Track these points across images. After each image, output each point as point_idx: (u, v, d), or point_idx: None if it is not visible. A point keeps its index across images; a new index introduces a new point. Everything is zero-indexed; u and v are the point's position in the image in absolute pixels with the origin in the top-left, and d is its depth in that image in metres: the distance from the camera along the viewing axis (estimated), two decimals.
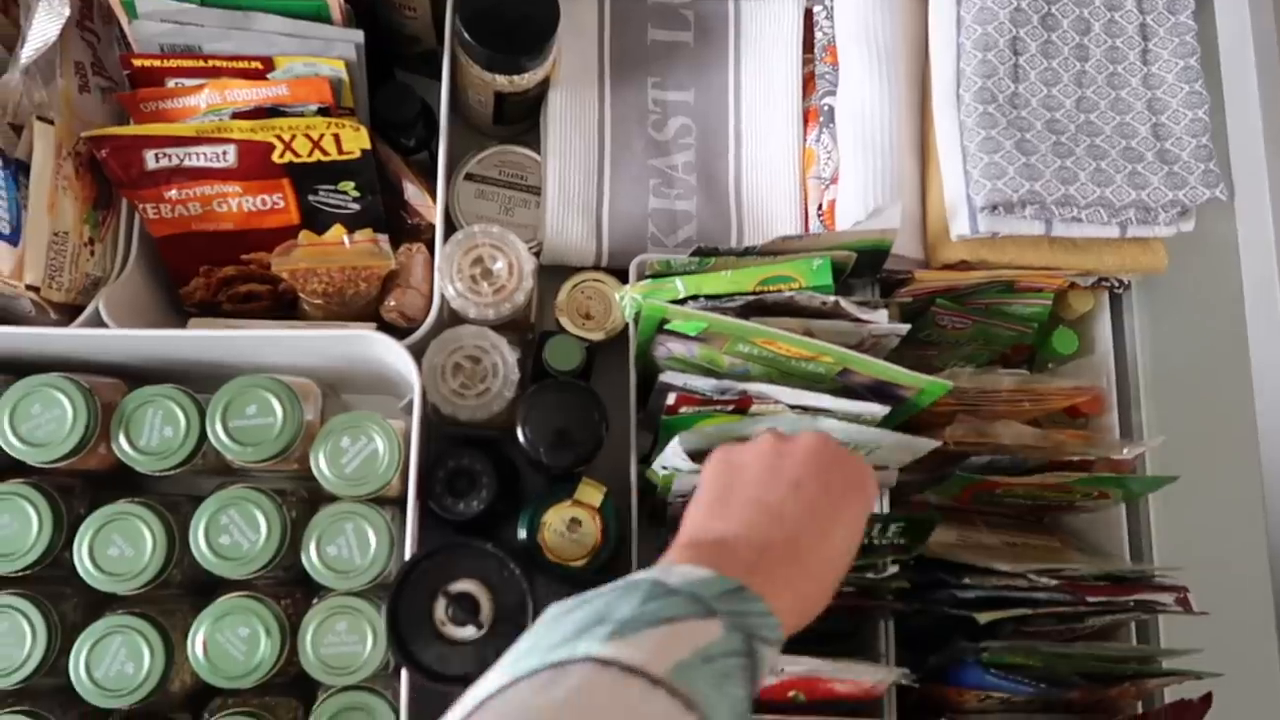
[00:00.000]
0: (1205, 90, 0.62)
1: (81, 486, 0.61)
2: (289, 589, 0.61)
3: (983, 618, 0.57)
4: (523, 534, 0.62)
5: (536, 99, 0.72)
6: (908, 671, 0.56)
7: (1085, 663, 0.59)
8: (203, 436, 0.59)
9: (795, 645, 0.54)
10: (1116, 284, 0.70)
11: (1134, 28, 0.64)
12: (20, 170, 0.59)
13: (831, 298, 0.58)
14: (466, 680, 0.52)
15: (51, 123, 0.59)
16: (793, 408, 0.59)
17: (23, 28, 0.60)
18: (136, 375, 0.61)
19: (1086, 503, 0.65)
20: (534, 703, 0.34)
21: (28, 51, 0.59)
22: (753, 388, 0.58)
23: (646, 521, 0.67)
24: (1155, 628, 0.64)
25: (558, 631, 0.37)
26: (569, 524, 0.62)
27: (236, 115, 0.61)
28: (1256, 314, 0.61)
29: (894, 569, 0.58)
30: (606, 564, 0.63)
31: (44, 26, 0.58)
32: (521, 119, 0.74)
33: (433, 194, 0.67)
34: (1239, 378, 0.62)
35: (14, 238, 0.57)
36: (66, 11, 0.58)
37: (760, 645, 0.39)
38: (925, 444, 0.58)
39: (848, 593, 0.59)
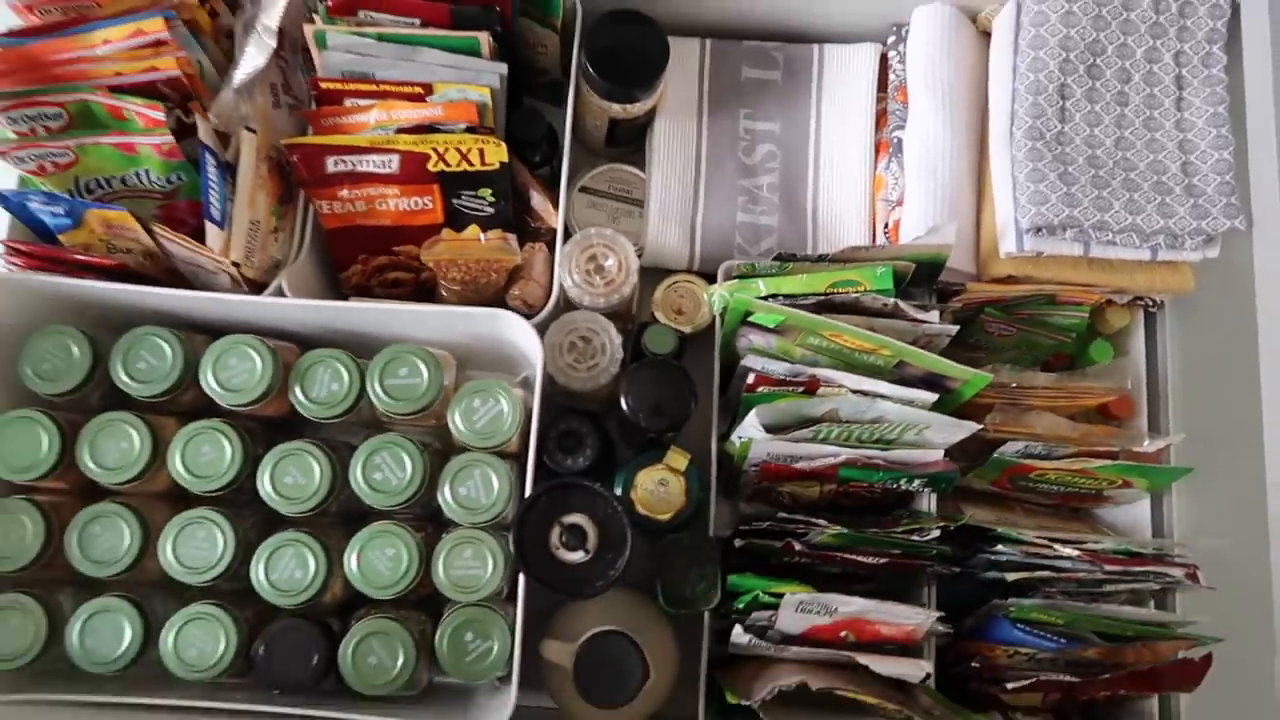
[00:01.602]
0: (1231, 134, 0.71)
1: (261, 429, 0.74)
2: (424, 523, 0.73)
3: (1011, 576, 0.66)
4: (618, 490, 0.73)
5: (643, 125, 0.84)
6: (942, 614, 0.65)
7: (1102, 623, 0.67)
8: (361, 392, 0.71)
9: (848, 591, 0.64)
10: (1151, 303, 0.78)
11: (1170, 78, 0.73)
12: (228, 169, 0.73)
13: (891, 300, 0.68)
14: (574, 592, 0.64)
15: (255, 132, 0.73)
16: (854, 391, 0.69)
17: (235, 56, 0.74)
18: (305, 342, 0.74)
19: (1113, 492, 0.74)
20: None
21: (239, 76, 0.73)
22: (821, 372, 0.69)
23: (723, 489, 0.77)
24: (1171, 604, 0.72)
25: None
26: (658, 484, 0.73)
27: (400, 131, 0.74)
28: (1269, 334, 0.69)
29: (936, 533, 0.68)
30: (688, 521, 0.74)
31: (254, 56, 0.72)
32: (629, 142, 0.86)
33: (554, 202, 0.79)
34: (1252, 390, 0.70)
35: (223, 223, 0.71)
36: (273, 44, 0.72)
37: None
38: (969, 426, 0.68)
39: (895, 554, 0.69)
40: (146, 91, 0.70)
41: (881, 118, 0.83)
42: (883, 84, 0.84)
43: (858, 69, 0.84)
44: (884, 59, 0.84)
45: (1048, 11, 0.73)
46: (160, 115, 0.69)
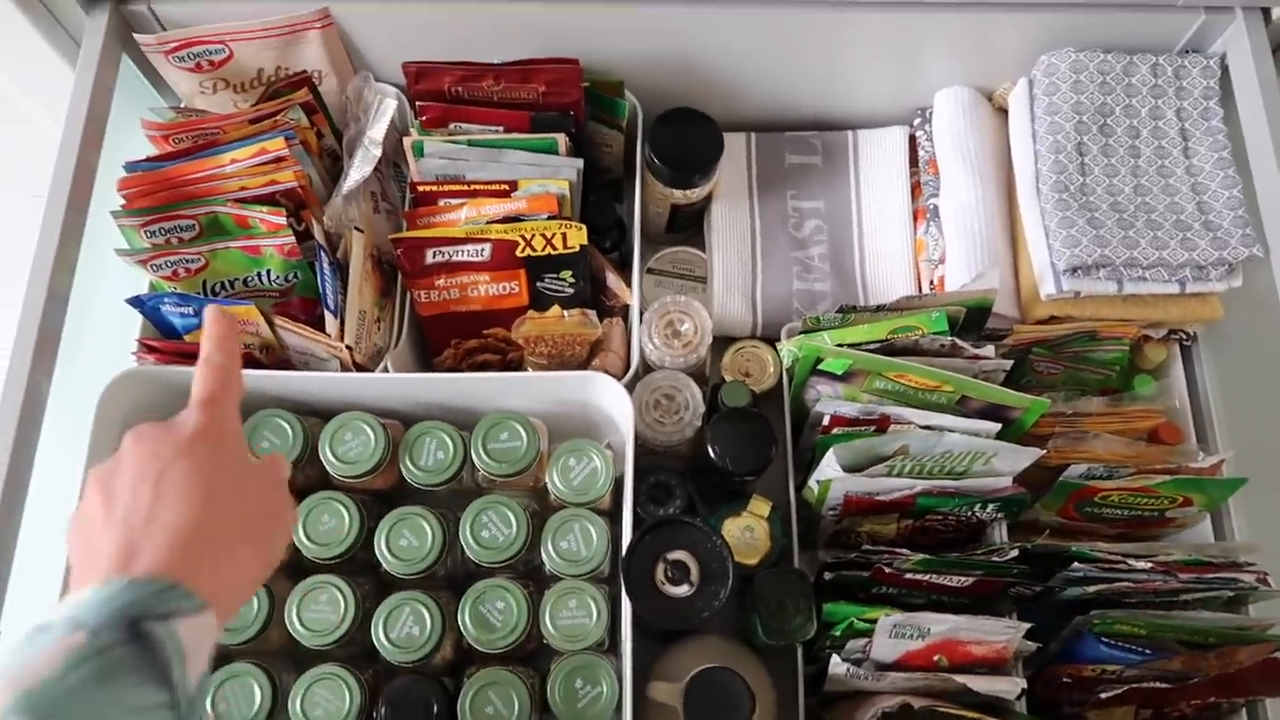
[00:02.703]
0: (1238, 175, 0.78)
1: (371, 502, 0.79)
2: (526, 579, 0.78)
3: (1092, 588, 0.70)
4: None
5: (699, 211, 0.93)
6: (1031, 626, 0.69)
7: (1183, 631, 0.70)
8: (464, 460, 0.77)
9: (938, 610, 0.68)
10: (1185, 336, 0.85)
11: (1175, 131, 0.81)
12: (338, 266, 0.81)
13: (948, 339, 0.75)
14: (681, 624, 0.68)
15: (362, 232, 0.82)
16: (922, 426, 0.75)
17: (344, 167, 0.84)
18: (407, 420, 0.81)
19: (1174, 512, 0.78)
20: None
21: (348, 185, 0.82)
22: (891, 410, 0.74)
23: (800, 539, 0.82)
24: (1244, 612, 0.75)
25: None
26: (744, 530, 0.78)
27: (489, 223, 0.82)
28: None
29: (1014, 553, 0.72)
30: (774, 564, 0.78)
31: (362, 166, 0.82)
32: (687, 227, 0.94)
33: (626, 281, 0.87)
34: None
35: (336, 312, 0.79)
36: (378, 154, 0.82)
37: (158, 622, 0.43)
38: (1032, 452, 0.73)
39: (976, 575, 0.73)
40: (266, 201, 0.79)
41: (916, 189, 0.92)
42: (913, 160, 0.93)
43: (890, 148, 0.93)
44: (912, 139, 0.93)
45: (1058, 82, 0.82)
46: (282, 220, 0.77)
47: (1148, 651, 0.70)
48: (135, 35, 0.82)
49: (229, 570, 0.48)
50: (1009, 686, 0.69)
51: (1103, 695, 0.69)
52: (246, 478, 0.52)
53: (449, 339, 0.87)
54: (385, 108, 0.84)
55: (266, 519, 0.53)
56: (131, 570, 0.44)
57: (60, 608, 0.43)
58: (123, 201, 0.78)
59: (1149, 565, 0.70)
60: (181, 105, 0.87)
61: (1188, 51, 0.84)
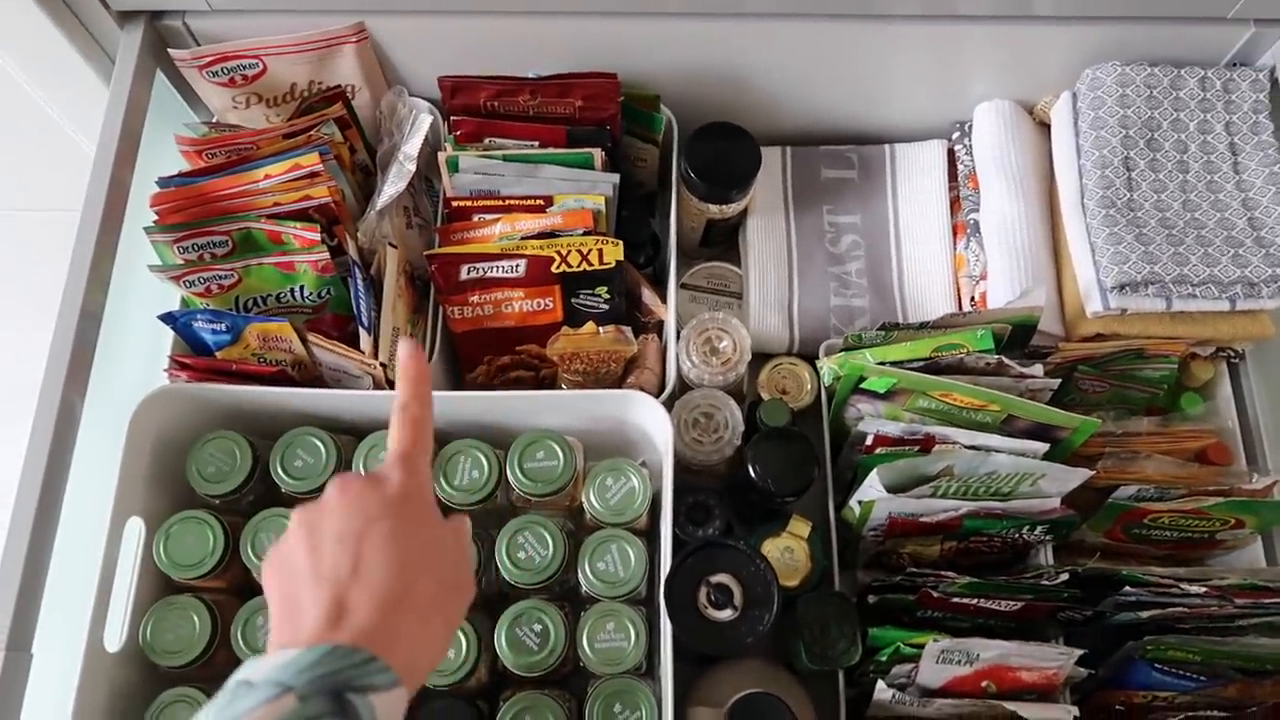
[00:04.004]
0: None
1: None
2: (562, 600, 0.76)
3: (1145, 614, 0.68)
4: None
5: (734, 227, 0.92)
6: (1084, 652, 0.67)
7: (1240, 657, 0.69)
8: (500, 478, 0.76)
9: (984, 634, 0.67)
10: (1233, 354, 0.83)
11: (1224, 146, 0.80)
12: (372, 282, 0.80)
13: (994, 357, 0.73)
14: (725, 649, 0.66)
15: (396, 248, 0.81)
16: (968, 447, 0.73)
17: (378, 183, 0.83)
18: (441, 439, 0.80)
19: (1225, 534, 0.76)
20: None
21: (382, 201, 0.81)
22: (936, 430, 0.73)
23: (841, 557, 0.80)
24: None
25: None
26: (784, 551, 0.76)
27: (524, 239, 0.81)
28: None
29: (1064, 577, 0.70)
30: (815, 587, 0.76)
31: (396, 181, 0.81)
32: (721, 242, 0.93)
33: (661, 297, 0.85)
34: None
35: (370, 329, 0.78)
36: (412, 169, 0.81)
37: (357, 695, 0.42)
38: (1081, 473, 0.71)
39: (1025, 599, 0.71)
40: (299, 217, 0.78)
41: (955, 204, 0.90)
42: (951, 174, 0.92)
43: (928, 163, 0.92)
44: (951, 152, 0.92)
45: (1104, 96, 0.81)
46: (315, 235, 0.76)
47: (1202, 678, 0.69)
48: (170, 50, 0.81)
49: (423, 644, 0.48)
50: (1060, 715, 0.67)
51: None
52: (441, 546, 0.51)
53: (482, 356, 0.86)
54: (420, 123, 0.83)
55: (455, 592, 0.52)
56: (338, 635, 0.44)
57: (264, 665, 0.43)
58: (155, 217, 0.77)
59: (1203, 590, 0.69)
60: (214, 120, 0.87)
61: (1236, 64, 0.82)
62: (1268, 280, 0.75)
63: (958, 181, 0.90)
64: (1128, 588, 0.69)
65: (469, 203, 0.82)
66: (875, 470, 0.72)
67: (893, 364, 0.75)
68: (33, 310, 0.92)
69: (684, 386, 0.81)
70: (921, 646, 0.67)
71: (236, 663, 0.71)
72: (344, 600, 0.46)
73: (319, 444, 0.76)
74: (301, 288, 0.79)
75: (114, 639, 0.71)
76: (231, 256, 0.78)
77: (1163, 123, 0.80)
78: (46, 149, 0.96)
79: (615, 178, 0.82)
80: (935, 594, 0.69)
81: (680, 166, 0.84)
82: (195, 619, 0.72)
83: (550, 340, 0.83)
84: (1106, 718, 0.71)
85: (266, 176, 0.78)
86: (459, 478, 0.76)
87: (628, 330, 0.83)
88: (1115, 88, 0.80)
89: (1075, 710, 0.67)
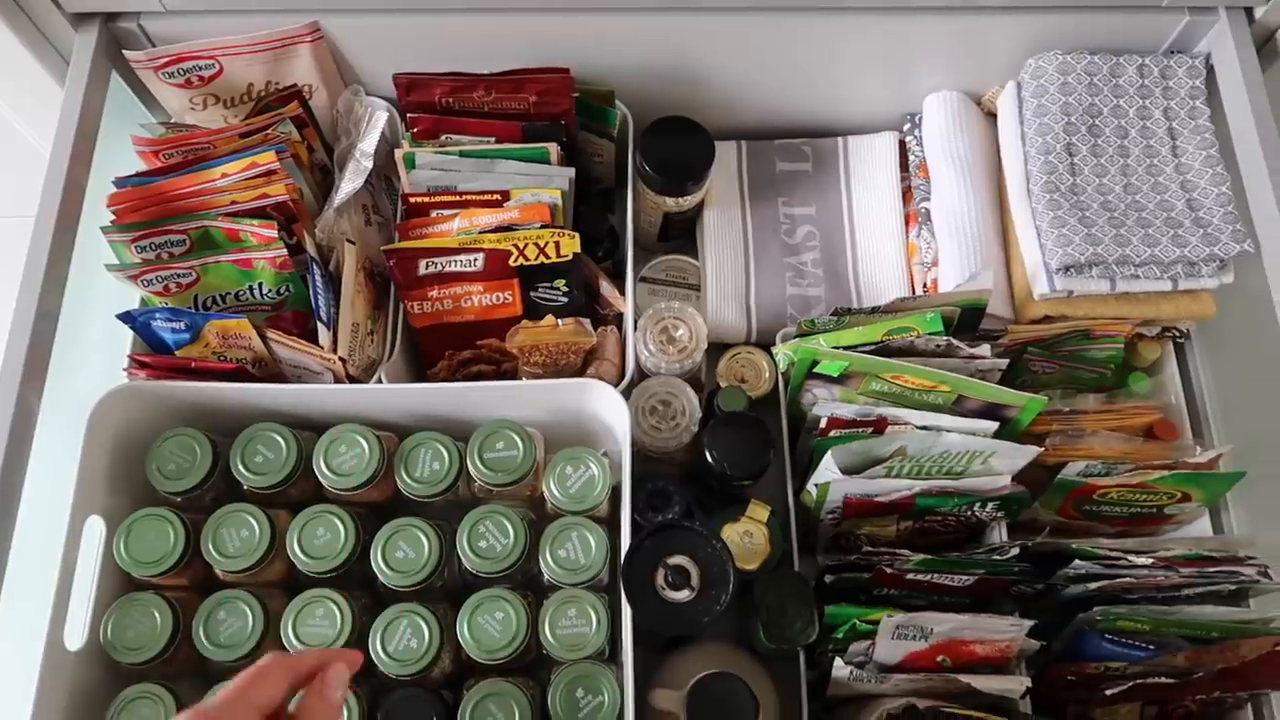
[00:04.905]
0: (1226, 172, 0.79)
1: (367, 513, 0.79)
2: (524, 589, 0.77)
3: (1094, 585, 0.69)
4: None
5: (691, 219, 0.93)
6: (1035, 623, 0.68)
7: (1186, 626, 0.70)
8: (460, 471, 0.76)
9: (940, 610, 0.68)
10: (1178, 333, 0.85)
11: (1163, 130, 0.82)
12: (331, 279, 0.81)
13: (944, 339, 0.75)
14: (683, 629, 0.67)
15: (355, 244, 0.81)
16: (919, 427, 0.74)
17: (335, 180, 0.83)
18: (402, 433, 0.80)
19: (1173, 508, 0.78)
20: None
21: (339, 198, 0.82)
22: (888, 411, 0.74)
23: (801, 541, 0.81)
24: (1247, 604, 0.75)
25: None
26: (743, 535, 0.77)
27: (482, 233, 0.82)
28: None
29: (1015, 551, 0.72)
30: (775, 568, 0.77)
31: (353, 178, 0.82)
32: (679, 235, 0.94)
33: (620, 290, 0.86)
34: None
35: (329, 324, 0.78)
36: (369, 166, 0.82)
37: None
38: (1030, 450, 0.73)
39: (977, 574, 0.73)
40: (257, 215, 0.79)
41: (907, 194, 0.92)
42: (903, 165, 0.93)
43: (880, 154, 0.94)
44: (902, 144, 0.94)
45: (1046, 84, 0.83)
46: (273, 233, 0.77)
47: (1151, 647, 0.70)
48: (125, 52, 0.82)
49: None
50: (1014, 685, 0.68)
51: (1108, 693, 0.68)
52: None
53: (443, 350, 0.86)
54: (376, 120, 0.84)
55: None
56: None
57: None
58: (113, 217, 0.78)
59: (1150, 561, 0.70)
60: (171, 121, 0.87)
61: (1173, 52, 0.85)
62: (1206, 259, 0.77)
63: (909, 172, 0.92)
64: (1077, 561, 0.71)
65: (426, 198, 0.83)
66: (830, 452, 0.73)
67: (845, 348, 0.76)
68: None
69: (642, 376, 0.82)
70: (877, 623, 0.68)
71: (198, 659, 0.72)
72: None
73: (279, 439, 0.76)
74: (260, 285, 0.80)
75: (75, 637, 0.70)
76: (189, 255, 0.79)
77: (1103, 109, 0.83)
78: (1, 152, 0.96)
79: (571, 172, 0.83)
80: (890, 570, 0.70)
81: (636, 160, 0.86)
82: (157, 616, 0.72)
83: (510, 333, 0.84)
84: (1060, 689, 0.72)
85: (223, 175, 0.79)
86: (420, 470, 0.76)
87: (586, 322, 0.84)
88: (1057, 76, 0.83)
89: (1028, 680, 0.69)
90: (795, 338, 0.80)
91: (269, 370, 0.81)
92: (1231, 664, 0.68)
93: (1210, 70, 0.83)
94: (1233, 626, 0.70)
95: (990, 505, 0.74)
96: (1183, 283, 0.79)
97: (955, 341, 0.74)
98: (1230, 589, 0.72)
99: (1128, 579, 0.70)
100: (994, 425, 0.74)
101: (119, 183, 0.79)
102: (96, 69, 0.81)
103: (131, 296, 0.80)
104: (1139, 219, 0.79)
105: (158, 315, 0.77)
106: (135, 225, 0.77)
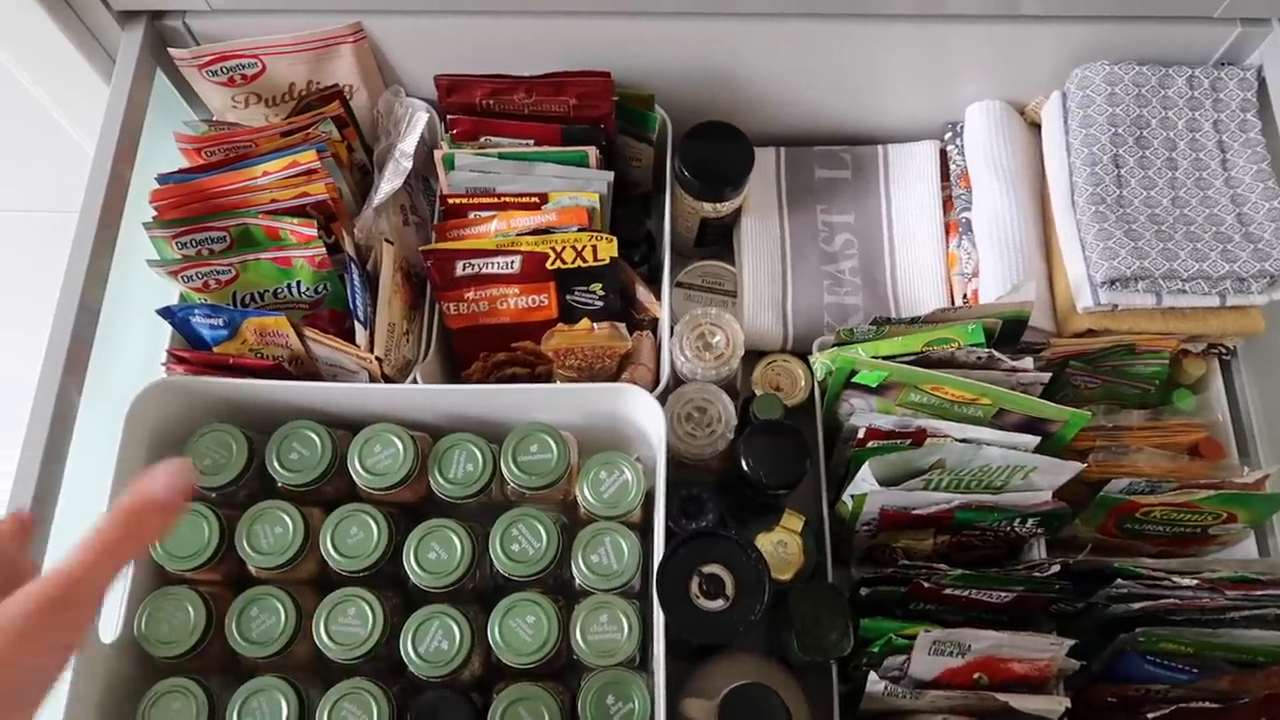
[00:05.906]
0: (1278, 186, 0.77)
1: (400, 513, 0.79)
2: (556, 593, 0.76)
3: (1137, 605, 0.68)
4: None
5: (728, 225, 0.93)
6: (1075, 642, 0.67)
7: (1232, 649, 0.69)
8: (494, 472, 0.76)
9: (977, 627, 0.67)
10: (1224, 350, 0.83)
11: (1212, 143, 0.81)
12: (368, 278, 0.81)
13: (985, 351, 0.74)
14: (717, 639, 0.66)
15: (392, 244, 0.82)
16: (959, 440, 0.73)
17: (375, 180, 0.84)
18: (436, 433, 0.80)
19: (1217, 529, 0.76)
20: None
21: (379, 198, 0.82)
22: (927, 423, 0.73)
23: (835, 553, 0.80)
24: None
25: None
26: (777, 545, 0.76)
27: (520, 235, 0.82)
28: None
29: (1055, 569, 0.71)
30: (809, 580, 0.77)
31: (392, 178, 0.82)
32: (716, 241, 0.94)
33: (656, 295, 0.86)
34: None
35: (366, 323, 0.79)
36: (409, 167, 0.82)
37: None
38: (1073, 465, 0.71)
39: (1017, 591, 0.71)
40: (297, 213, 0.79)
41: (947, 203, 0.91)
42: (944, 174, 0.92)
43: (920, 163, 0.93)
44: (943, 153, 0.93)
45: (1092, 95, 0.82)
46: (313, 231, 0.77)
47: (1195, 670, 0.69)
48: (170, 50, 0.82)
49: None
50: (1053, 706, 0.67)
51: (1149, 715, 0.67)
52: None
53: (478, 352, 0.86)
54: (416, 121, 0.84)
55: None
56: None
57: None
58: (155, 213, 0.78)
59: (1195, 582, 0.69)
60: (214, 119, 0.88)
61: (1224, 64, 0.83)
62: (1256, 275, 0.75)
63: (950, 181, 0.91)
64: (1119, 580, 0.70)
65: (465, 200, 0.83)
66: (867, 463, 0.72)
67: (884, 358, 0.75)
68: (32, 311, 0.93)
69: (678, 382, 0.82)
70: (913, 638, 0.67)
71: (230, 654, 0.72)
72: None
73: (314, 437, 0.76)
74: (298, 283, 0.80)
75: (109, 630, 0.71)
76: (229, 252, 0.79)
77: (1151, 121, 0.81)
78: (47, 148, 0.97)
79: (609, 175, 0.83)
80: (927, 585, 0.69)
81: (674, 165, 0.85)
82: (190, 610, 0.72)
83: (545, 336, 0.83)
84: (1099, 710, 0.71)
85: (264, 173, 0.79)
86: (453, 471, 0.76)
87: (622, 326, 0.84)
88: (1104, 86, 0.81)
89: (1067, 701, 0.67)
90: (833, 346, 0.79)
91: (305, 368, 0.81)
92: (1277, 690, 0.66)
93: (1262, 83, 0.82)
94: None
95: (1030, 521, 0.72)
96: (1231, 298, 0.77)
97: (997, 354, 0.73)
98: (1278, 613, 0.70)
99: (1172, 600, 0.68)
100: (1035, 440, 0.73)
101: (161, 179, 0.79)
102: (142, 66, 0.81)
103: (171, 292, 0.81)
104: (1187, 233, 0.77)
105: (197, 311, 0.78)
106: (176, 221, 0.78)
